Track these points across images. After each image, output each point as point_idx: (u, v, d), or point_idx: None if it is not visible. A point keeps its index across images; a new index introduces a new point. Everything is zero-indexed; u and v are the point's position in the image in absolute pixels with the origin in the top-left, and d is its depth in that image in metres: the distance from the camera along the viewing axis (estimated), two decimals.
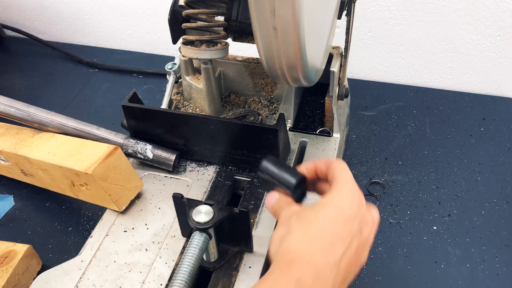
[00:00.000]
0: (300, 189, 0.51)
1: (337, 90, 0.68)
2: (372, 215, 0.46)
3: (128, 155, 0.67)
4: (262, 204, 0.61)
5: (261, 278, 0.41)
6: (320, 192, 0.52)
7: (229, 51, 0.63)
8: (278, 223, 0.46)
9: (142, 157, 0.67)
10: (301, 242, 0.41)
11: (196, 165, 0.68)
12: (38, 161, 0.65)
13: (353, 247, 0.42)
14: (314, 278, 0.39)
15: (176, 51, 0.74)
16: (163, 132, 0.66)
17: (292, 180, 0.49)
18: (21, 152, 0.67)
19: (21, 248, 0.65)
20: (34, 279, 0.56)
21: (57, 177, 0.65)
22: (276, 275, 0.40)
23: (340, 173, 0.47)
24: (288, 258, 0.41)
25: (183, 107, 0.74)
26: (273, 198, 0.49)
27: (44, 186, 0.72)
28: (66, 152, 0.64)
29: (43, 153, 0.65)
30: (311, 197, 0.51)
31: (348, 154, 0.85)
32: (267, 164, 0.51)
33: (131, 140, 0.68)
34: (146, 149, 0.67)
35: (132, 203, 0.63)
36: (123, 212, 0.62)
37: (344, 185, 0.45)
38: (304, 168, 0.51)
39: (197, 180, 0.66)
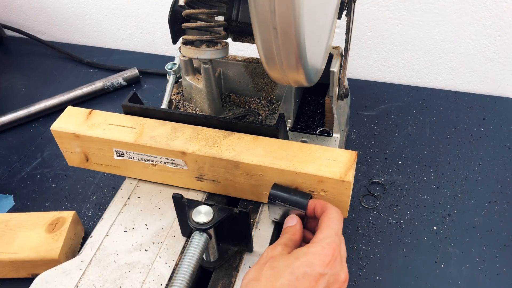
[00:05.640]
0: None
1: (337, 90, 0.68)
2: (345, 272, 0.48)
3: None
4: (262, 204, 0.61)
5: None
6: (310, 230, 0.55)
7: (229, 51, 0.63)
8: (258, 261, 0.48)
9: None
10: None
11: None
12: (254, 165, 0.57)
13: None
14: None
15: (176, 51, 0.74)
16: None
17: (305, 201, 0.54)
18: (225, 156, 0.57)
19: (68, 214, 0.69)
20: (80, 244, 0.61)
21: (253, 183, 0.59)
22: None
23: (326, 225, 0.49)
24: None
25: (183, 107, 0.74)
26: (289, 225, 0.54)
27: (219, 192, 0.63)
28: (287, 155, 0.56)
29: (259, 157, 0.57)
30: None
31: None
32: (275, 192, 0.55)
33: None
34: None
35: (132, 203, 0.63)
36: (123, 212, 0.62)
37: (322, 241, 0.47)
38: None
39: None
